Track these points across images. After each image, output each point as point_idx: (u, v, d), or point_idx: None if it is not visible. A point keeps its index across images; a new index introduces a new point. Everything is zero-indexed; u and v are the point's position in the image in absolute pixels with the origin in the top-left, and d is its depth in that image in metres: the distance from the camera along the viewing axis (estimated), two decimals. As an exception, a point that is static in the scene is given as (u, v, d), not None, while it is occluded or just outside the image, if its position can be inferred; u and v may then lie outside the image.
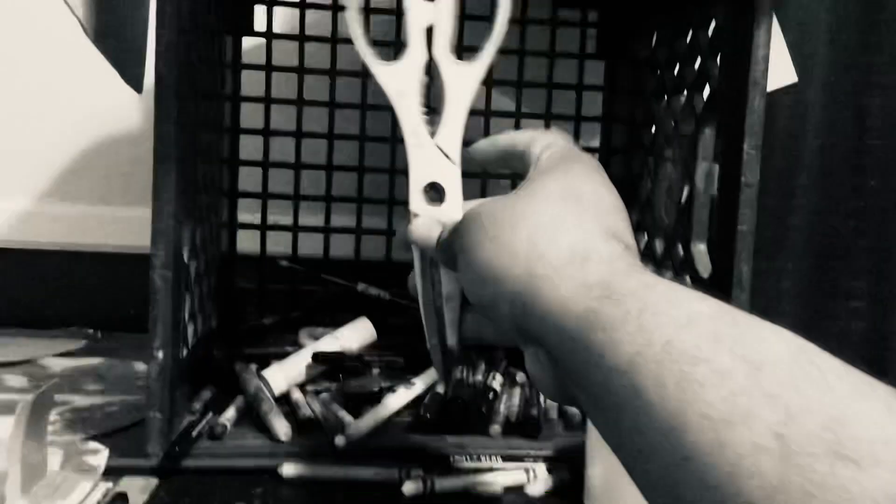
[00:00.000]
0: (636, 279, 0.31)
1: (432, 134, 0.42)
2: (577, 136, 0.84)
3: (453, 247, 0.39)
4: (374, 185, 0.84)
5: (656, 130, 0.72)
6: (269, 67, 0.81)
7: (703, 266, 0.61)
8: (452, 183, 0.42)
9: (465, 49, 0.44)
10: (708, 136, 0.62)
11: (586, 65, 0.84)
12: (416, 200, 0.42)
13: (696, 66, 0.64)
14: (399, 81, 0.42)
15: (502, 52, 0.83)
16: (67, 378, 0.72)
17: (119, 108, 0.91)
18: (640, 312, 0.29)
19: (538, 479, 0.53)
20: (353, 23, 0.42)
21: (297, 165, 0.83)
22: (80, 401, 0.65)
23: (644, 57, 0.75)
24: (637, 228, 0.75)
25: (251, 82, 0.81)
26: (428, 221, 0.42)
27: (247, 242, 0.83)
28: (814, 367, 0.26)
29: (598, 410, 0.31)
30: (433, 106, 0.43)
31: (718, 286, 0.57)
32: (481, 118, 0.83)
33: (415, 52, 0.42)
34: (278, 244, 0.84)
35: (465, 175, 0.42)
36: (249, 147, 0.82)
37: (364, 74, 0.81)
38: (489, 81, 0.83)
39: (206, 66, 0.65)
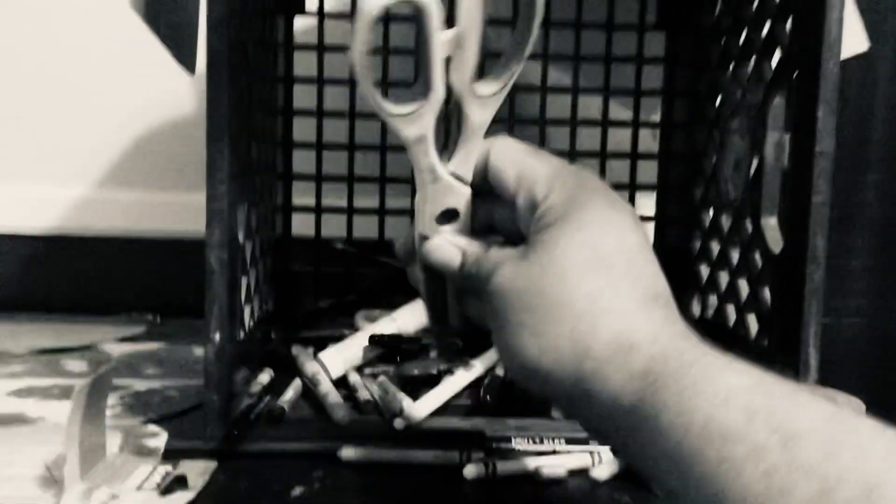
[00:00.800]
0: (675, 362, 0.32)
1: (446, 161, 0.41)
2: (636, 112, 0.82)
3: (487, 313, 0.38)
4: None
5: (722, 102, 0.70)
6: (321, 47, 0.80)
7: (774, 241, 0.58)
8: (465, 204, 0.42)
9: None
10: (778, 105, 0.59)
11: (646, 36, 0.81)
12: (427, 225, 0.42)
13: (765, 31, 0.61)
14: (417, 128, 0.40)
15: (558, 24, 0.81)
16: (127, 362, 0.72)
17: (175, 94, 0.91)
18: (680, 394, 0.30)
19: (603, 463, 0.51)
20: (361, 69, 0.37)
21: (350, 146, 0.82)
22: (139, 385, 0.66)
23: (708, 25, 0.73)
24: (702, 204, 0.73)
25: (303, 63, 0.81)
26: (445, 244, 0.41)
27: (302, 226, 0.83)
28: (848, 433, 0.27)
29: (657, 486, 0.32)
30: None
31: (791, 261, 0.54)
32: (537, 95, 0.81)
33: (436, 91, 0.39)
34: (333, 227, 0.83)
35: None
36: (302, 129, 0.82)
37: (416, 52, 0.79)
38: (545, 55, 0.81)
39: (258, 46, 0.64)
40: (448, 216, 0.42)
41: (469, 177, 0.41)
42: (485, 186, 0.41)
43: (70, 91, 0.92)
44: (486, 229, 0.42)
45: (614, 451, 0.34)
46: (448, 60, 0.39)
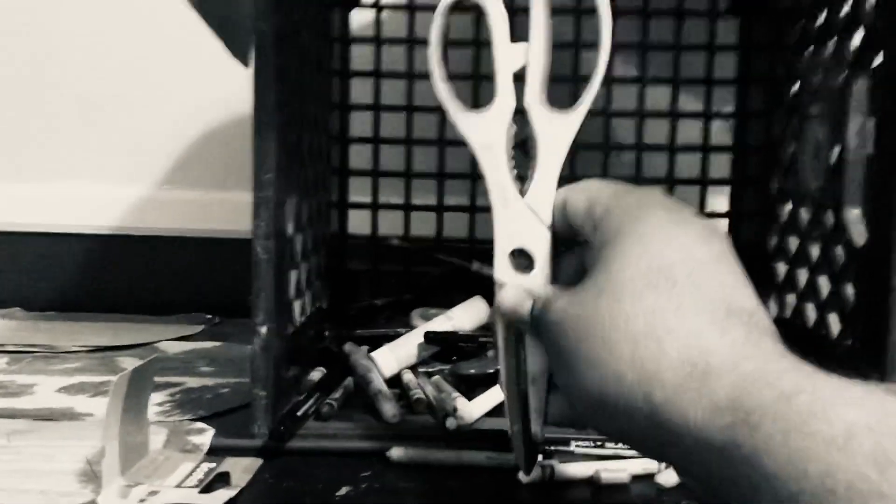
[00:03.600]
0: (770, 390, 0.26)
1: (522, 192, 0.38)
2: (708, 102, 0.78)
3: (547, 351, 0.35)
4: (489, 160, 0.80)
5: (800, 87, 0.66)
6: (378, 40, 0.78)
7: (858, 233, 0.54)
8: (542, 249, 0.37)
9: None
10: (860, 89, 0.55)
11: (718, 22, 0.77)
12: (502, 268, 0.38)
13: (845, 10, 0.57)
14: (485, 133, 0.38)
15: (624, 12, 0.79)
16: (181, 360, 0.71)
17: (233, 94, 0.90)
18: (786, 435, 0.25)
19: (670, 468, 0.48)
20: (434, 64, 0.38)
21: (408, 141, 0.80)
22: (192, 382, 0.64)
23: (784, 8, 0.69)
24: (779, 197, 0.69)
25: (359, 56, 0.79)
26: (517, 292, 0.37)
27: (359, 223, 0.81)
28: None
29: None
30: (524, 151, 0.38)
31: (876, 255, 0.50)
32: (602, 87, 0.77)
33: (503, 100, 0.38)
34: (390, 225, 0.81)
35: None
36: (360, 124, 0.80)
37: (477, 44, 0.77)
38: (613, 45, 0.77)
39: (311, 37, 0.63)
40: (524, 260, 0.38)
41: (547, 216, 0.37)
42: (567, 231, 0.37)
43: (129, 91, 0.92)
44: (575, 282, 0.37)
45: (709, 496, 0.29)
46: (520, 77, 0.38)
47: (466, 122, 0.38)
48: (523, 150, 0.38)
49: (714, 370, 0.27)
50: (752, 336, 0.29)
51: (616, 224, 0.33)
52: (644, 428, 0.29)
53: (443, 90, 0.39)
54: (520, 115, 0.38)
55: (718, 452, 0.26)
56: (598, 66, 0.38)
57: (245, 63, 0.63)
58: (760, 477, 0.25)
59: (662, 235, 0.31)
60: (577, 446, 0.50)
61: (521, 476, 0.47)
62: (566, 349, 0.32)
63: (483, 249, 0.78)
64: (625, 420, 0.30)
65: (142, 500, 0.42)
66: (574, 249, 0.38)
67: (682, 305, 0.29)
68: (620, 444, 0.50)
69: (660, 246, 0.31)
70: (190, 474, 0.46)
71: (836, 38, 0.59)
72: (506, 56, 0.38)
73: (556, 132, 0.37)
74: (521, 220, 0.38)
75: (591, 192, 0.36)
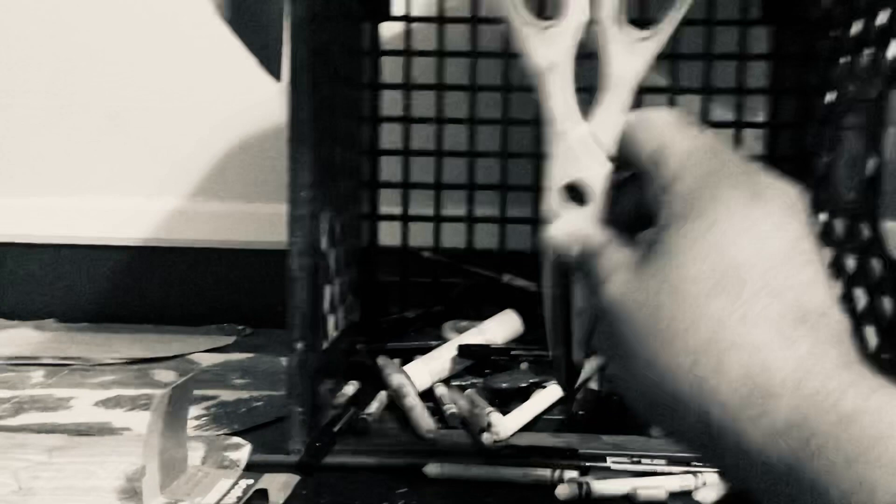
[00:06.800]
0: (831, 413, 0.25)
1: (585, 117, 0.34)
2: (739, 111, 0.77)
3: (598, 329, 0.33)
4: (518, 171, 0.80)
5: (834, 97, 0.65)
6: (408, 52, 0.79)
7: (895, 245, 0.54)
8: (599, 182, 0.34)
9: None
10: (897, 98, 0.55)
11: (749, 32, 0.77)
12: (555, 199, 0.35)
13: (881, 19, 0.57)
14: (551, 50, 0.34)
15: (654, 21, 0.78)
16: (215, 373, 0.71)
17: (263, 106, 0.91)
18: (848, 464, 0.24)
19: (708, 485, 0.47)
20: None
21: (438, 153, 0.80)
22: (226, 395, 0.65)
23: (817, 17, 0.68)
24: (813, 209, 0.68)
25: (390, 70, 0.79)
26: (568, 228, 0.35)
27: (388, 235, 0.81)
28: None
29: None
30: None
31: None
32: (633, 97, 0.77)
33: (574, 14, 0.34)
34: (420, 237, 0.81)
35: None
36: (389, 136, 0.80)
37: (507, 55, 0.77)
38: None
39: (343, 51, 0.63)
40: (578, 192, 0.35)
41: (609, 146, 0.34)
42: (628, 162, 0.34)
43: (158, 103, 0.93)
44: (630, 222, 0.34)
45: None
46: None
47: (532, 38, 0.34)
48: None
49: (775, 391, 0.26)
50: (818, 347, 0.27)
51: (688, 196, 0.30)
52: (699, 437, 0.28)
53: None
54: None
55: (780, 475, 0.25)
56: None
57: (277, 77, 0.63)
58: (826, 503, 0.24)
59: (735, 225, 0.29)
60: (613, 462, 0.50)
61: (558, 492, 0.47)
62: (622, 341, 0.30)
63: (514, 261, 0.79)
64: (678, 424, 0.29)
65: (182, 518, 0.42)
66: (630, 181, 0.35)
67: (749, 315, 0.27)
68: (657, 461, 0.50)
69: (731, 238, 0.28)
70: (229, 491, 0.46)
71: (870, 48, 0.58)
72: None
73: (632, 57, 0.34)
74: (580, 148, 0.34)
75: (662, 135, 0.32)
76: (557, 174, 0.35)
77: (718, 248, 0.28)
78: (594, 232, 0.34)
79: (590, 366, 0.35)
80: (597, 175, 0.34)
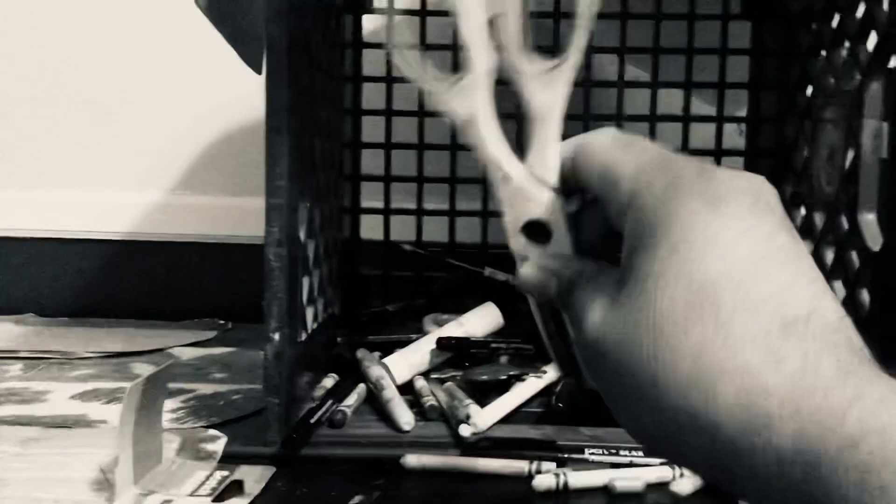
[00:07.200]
0: (836, 436, 0.23)
1: (521, 158, 0.34)
2: (720, 105, 0.78)
3: (588, 371, 0.31)
4: (500, 165, 0.80)
5: (813, 91, 0.65)
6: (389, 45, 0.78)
7: (873, 238, 0.54)
8: (555, 216, 0.33)
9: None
10: (875, 92, 0.55)
11: (730, 26, 0.77)
12: (518, 243, 0.34)
13: (860, 13, 0.57)
14: (467, 102, 0.33)
15: (636, 16, 0.78)
16: (194, 367, 0.71)
17: (245, 99, 0.91)
18: (860, 491, 0.22)
19: (685, 476, 0.47)
20: (397, 32, 0.34)
21: (420, 146, 0.80)
22: (204, 389, 0.64)
23: (796, 12, 0.68)
24: (793, 202, 0.68)
25: (371, 62, 0.79)
26: (538, 271, 0.33)
27: (370, 228, 0.81)
28: None
29: None
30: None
31: (892, 260, 0.50)
32: (614, 90, 0.77)
33: (478, 61, 0.33)
34: (402, 230, 0.81)
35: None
36: (372, 129, 0.80)
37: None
38: (622, 48, 0.77)
39: (324, 43, 0.63)
40: (538, 232, 0.34)
41: (554, 179, 0.33)
42: (577, 189, 0.33)
43: (140, 96, 0.92)
44: (602, 246, 0.33)
45: None
46: (494, 28, 0.33)
47: (442, 96, 0.34)
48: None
49: (775, 418, 0.24)
50: (811, 360, 0.25)
51: (648, 219, 0.28)
52: (706, 468, 0.27)
53: (410, 60, 0.34)
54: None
55: (793, 500, 0.24)
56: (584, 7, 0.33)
57: (258, 70, 0.63)
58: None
59: (700, 236, 0.27)
60: (591, 454, 0.50)
61: (536, 483, 0.47)
62: (608, 378, 0.29)
63: (495, 254, 0.79)
64: (682, 460, 0.28)
65: (156, 509, 0.42)
66: (591, 203, 0.33)
67: (731, 335, 0.25)
68: (634, 453, 0.50)
69: (697, 257, 0.27)
70: (203, 482, 0.46)
71: (849, 42, 0.58)
72: (470, 9, 0.33)
73: (548, 88, 0.33)
74: (526, 189, 0.33)
75: (606, 162, 0.31)
76: (511, 219, 0.34)
77: (686, 271, 0.27)
78: (564, 266, 0.33)
79: None
80: (550, 210, 0.34)
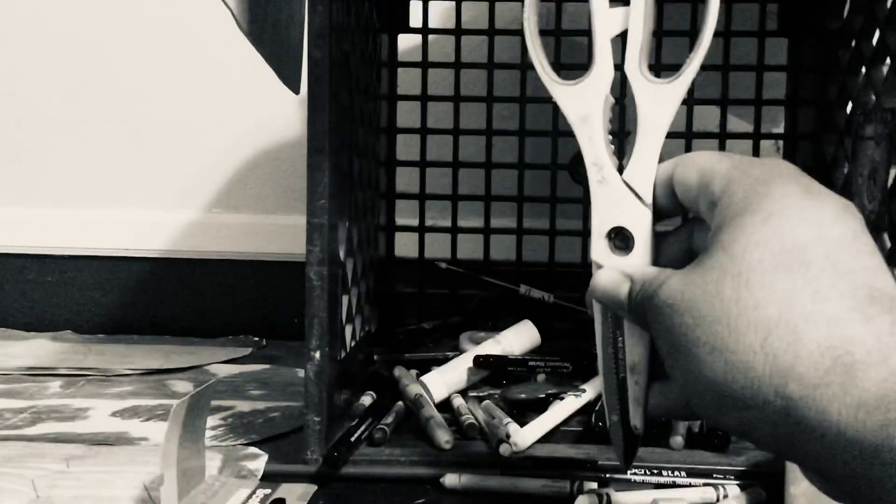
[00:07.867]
0: None
1: (620, 168, 0.35)
2: (757, 121, 0.77)
3: (655, 337, 0.32)
4: (535, 182, 0.80)
5: (853, 108, 0.65)
6: (425, 64, 0.79)
7: (917, 257, 0.53)
8: (642, 229, 0.35)
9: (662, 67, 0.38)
10: (918, 109, 0.54)
11: (767, 43, 0.77)
12: (599, 248, 0.36)
13: (902, 29, 0.57)
14: (582, 104, 0.36)
15: (672, 33, 0.78)
16: (231, 384, 0.71)
17: (281, 118, 0.92)
18: None
19: (730, 498, 0.47)
20: (531, 37, 0.37)
21: (454, 164, 0.80)
22: (242, 406, 0.65)
23: (835, 28, 0.68)
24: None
25: (406, 81, 0.79)
26: (613, 274, 0.35)
27: (405, 246, 0.81)
28: None
29: None
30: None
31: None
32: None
33: (601, 68, 0.36)
34: (437, 248, 0.81)
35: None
36: (406, 148, 0.80)
37: (523, 66, 0.77)
38: (658, 65, 0.77)
39: (361, 63, 0.63)
40: (622, 240, 0.36)
41: (648, 194, 0.35)
42: (672, 209, 0.35)
43: (177, 116, 0.94)
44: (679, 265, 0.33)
45: (849, 497, 0.27)
46: (621, 42, 0.36)
47: (563, 93, 0.36)
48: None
49: (859, 363, 0.25)
50: None
51: (740, 200, 0.29)
52: (775, 423, 0.27)
53: (539, 61, 0.37)
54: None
55: (869, 454, 0.24)
56: (705, 22, 0.35)
57: (296, 90, 0.63)
58: None
59: (794, 212, 0.28)
60: (633, 474, 0.50)
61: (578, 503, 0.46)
62: (683, 333, 0.29)
63: (530, 272, 0.78)
64: (752, 414, 0.27)
65: (200, 527, 0.42)
66: (679, 229, 0.35)
67: (820, 289, 0.26)
68: (677, 473, 0.49)
69: (792, 224, 0.28)
70: (246, 501, 0.46)
71: (890, 59, 0.58)
72: (604, 20, 0.36)
73: (658, 102, 0.35)
74: (619, 198, 0.35)
75: (703, 165, 0.32)
76: (598, 222, 0.36)
77: (778, 234, 0.28)
78: (638, 268, 0.34)
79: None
80: (638, 221, 0.35)
